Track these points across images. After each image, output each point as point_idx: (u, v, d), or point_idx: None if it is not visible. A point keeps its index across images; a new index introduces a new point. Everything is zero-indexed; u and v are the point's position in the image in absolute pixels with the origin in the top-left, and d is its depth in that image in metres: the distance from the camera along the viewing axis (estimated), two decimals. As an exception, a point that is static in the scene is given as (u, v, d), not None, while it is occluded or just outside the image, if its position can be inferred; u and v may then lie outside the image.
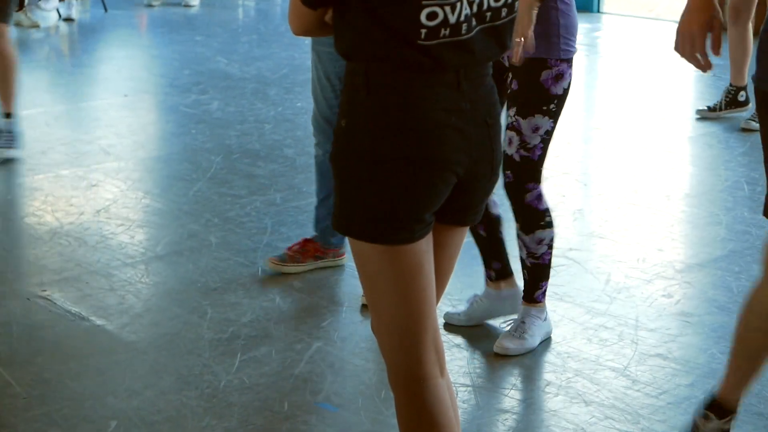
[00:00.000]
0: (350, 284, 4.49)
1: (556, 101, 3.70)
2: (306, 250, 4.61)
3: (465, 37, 2.31)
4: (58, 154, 6.28)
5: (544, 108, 3.69)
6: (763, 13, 5.49)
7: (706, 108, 7.08)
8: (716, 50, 2.94)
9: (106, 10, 10.93)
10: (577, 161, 6.25)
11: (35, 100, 7.50)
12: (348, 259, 4.66)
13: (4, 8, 6.06)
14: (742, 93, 7.00)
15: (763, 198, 5.40)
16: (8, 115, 6.15)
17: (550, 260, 3.93)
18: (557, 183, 5.77)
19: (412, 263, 2.39)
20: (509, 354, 3.88)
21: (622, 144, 6.72)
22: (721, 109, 7.03)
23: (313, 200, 4.70)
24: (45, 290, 4.41)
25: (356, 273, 4.31)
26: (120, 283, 4.47)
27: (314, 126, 4.53)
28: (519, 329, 3.93)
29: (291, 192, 5.62)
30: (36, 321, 4.16)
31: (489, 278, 4.10)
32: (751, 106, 6.89)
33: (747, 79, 6.92)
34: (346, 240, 4.65)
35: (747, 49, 6.83)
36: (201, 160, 6.17)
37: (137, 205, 5.44)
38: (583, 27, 9.70)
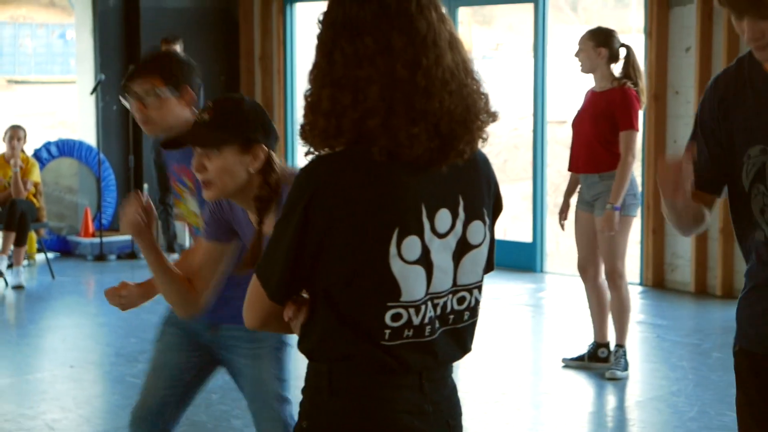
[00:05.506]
0: None
1: None
2: None
3: (428, 338, 2.34)
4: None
5: None
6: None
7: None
8: None
9: (53, 276, 10.96)
10: None
11: (-21, 374, 7.43)
12: None
13: None
14: (603, 350, 7.22)
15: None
16: None
17: None
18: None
19: None
20: None
21: (571, 410, 6.72)
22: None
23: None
24: None
25: None
26: None
27: None
28: None
29: (239, 468, 5.51)
30: None
31: None
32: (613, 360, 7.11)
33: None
34: None
35: (603, 306, 7.12)
36: (147, 434, 6.06)
37: (81, 485, 5.31)
38: (526, 287, 9.86)
